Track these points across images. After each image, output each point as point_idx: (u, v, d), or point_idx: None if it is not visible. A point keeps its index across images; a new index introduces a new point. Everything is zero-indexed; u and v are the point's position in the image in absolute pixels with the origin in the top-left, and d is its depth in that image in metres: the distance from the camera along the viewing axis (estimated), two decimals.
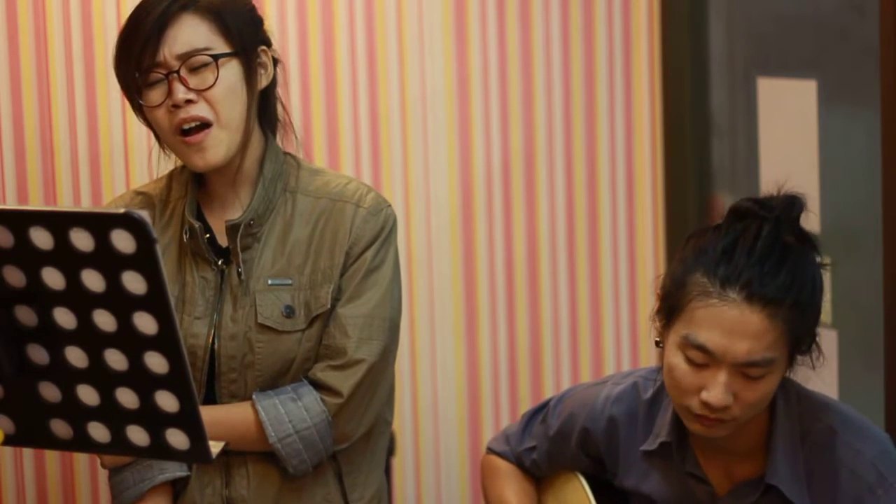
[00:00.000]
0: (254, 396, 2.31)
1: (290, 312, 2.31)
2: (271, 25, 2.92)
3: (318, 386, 2.31)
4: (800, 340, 2.02)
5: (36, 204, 2.74)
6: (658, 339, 2.09)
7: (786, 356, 2.01)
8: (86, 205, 2.80)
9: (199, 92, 2.24)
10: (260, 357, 2.31)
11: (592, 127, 3.24)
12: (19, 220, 1.70)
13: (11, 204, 2.71)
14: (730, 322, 1.95)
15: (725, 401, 1.97)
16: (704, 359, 1.98)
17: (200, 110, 2.25)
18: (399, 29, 3.05)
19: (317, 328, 2.32)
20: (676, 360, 2.01)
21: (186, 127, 2.26)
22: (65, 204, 2.77)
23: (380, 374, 2.34)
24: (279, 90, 2.42)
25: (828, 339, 2.92)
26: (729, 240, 2.00)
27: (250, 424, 2.30)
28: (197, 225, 2.33)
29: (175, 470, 2.34)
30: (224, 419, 2.30)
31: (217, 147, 2.27)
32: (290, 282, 2.32)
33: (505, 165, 3.17)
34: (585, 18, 3.20)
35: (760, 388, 1.99)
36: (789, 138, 3.03)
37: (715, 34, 3.27)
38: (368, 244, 2.34)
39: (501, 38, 3.14)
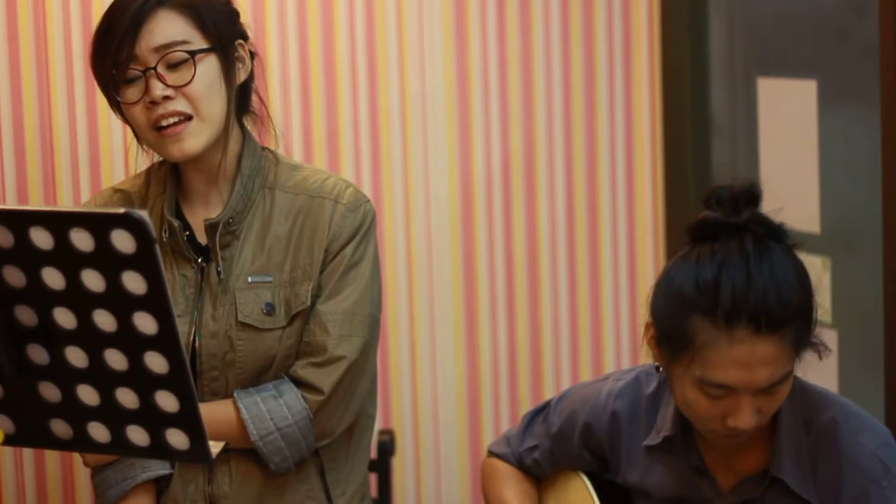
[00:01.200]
0: (235, 394, 2.31)
1: (270, 310, 2.31)
2: (271, 26, 2.93)
3: (299, 383, 2.31)
4: (806, 343, 2.02)
5: (36, 204, 2.74)
6: (658, 364, 2.08)
7: (795, 359, 2.01)
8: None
9: (177, 88, 2.24)
10: (241, 355, 2.31)
11: (592, 127, 3.23)
12: (19, 220, 1.70)
13: (11, 204, 2.71)
14: (744, 358, 1.94)
15: (752, 423, 1.98)
16: (725, 392, 1.97)
17: (179, 105, 2.24)
18: (399, 29, 3.05)
19: (297, 325, 2.32)
20: (694, 395, 2.00)
21: (164, 123, 2.25)
22: (65, 204, 2.77)
23: (360, 370, 2.34)
24: (256, 84, 2.41)
25: (828, 339, 2.92)
26: (716, 271, 1.95)
27: (232, 423, 2.30)
28: (176, 224, 2.33)
29: (157, 468, 2.34)
30: (206, 417, 2.28)
31: (195, 137, 2.26)
32: (270, 279, 2.32)
33: (505, 165, 3.17)
34: (585, 18, 3.20)
35: (780, 396, 2.01)
36: (789, 138, 3.03)
37: (715, 34, 3.27)
38: (347, 240, 2.33)
39: (501, 38, 3.14)
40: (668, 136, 3.29)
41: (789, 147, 3.03)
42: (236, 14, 2.36)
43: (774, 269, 1.96)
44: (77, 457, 2.83)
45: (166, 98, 2.23)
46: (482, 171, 3.15)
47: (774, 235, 2.00)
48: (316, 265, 2.32)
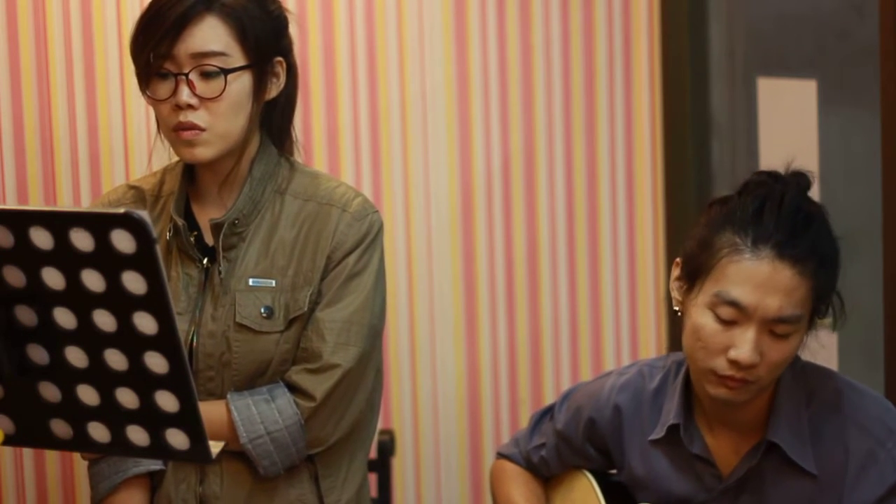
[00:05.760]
0: (228, 396, 2.30)
1: (269, 313, 2.31)
2: None
3: (293, 388, 2.30)
4: (822, 301, 2.07)
5: (36, 204, 2.74)
6: (678, 308, 2.10)
7: (808, 316, 2.05)
8: (86, 204, 2.80)
9: (203, 99, 2.24)
10: (237, 356, 2.31)
11: (592, 127, 3.23)
12: (19, 220, 1.70)
13: (11, 204, 2.71)
14: (762, 277, 1.99)
15: (753, 358, 2.00)
16: (735, 315, 2.01)
17: (198, 118, 2.25)
18: (399, 29, 3.05)
19: (295, 330, 2.31)
20: (705, 319, 2.03)
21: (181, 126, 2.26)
22: (65, 204, 2.77)
23: (356, 380, 2.33)
24: (288, 100, 2.39)
25: (828, 339, 2.92)
26: (757, 203, 2.05)
27: (223, 424, 2.29)
28: (181, 223, 2.33)
29: (149, 463, 2.34)
30: None
31: (206, 147, 2.27)
32: (272, 283, 2.31)
33: (505, 165, 3.17)
34: (585, 18, 3.20)
35: (785, 347, 2.03)
36: (789, 138, 3.03)
37: (715, 34, 3.27)
38: (351, 249, 2.32)
39: (501, 38, 3.14)
40: (668, 137, 3.29)
41: (789, 147, 3.03)
42: (283, 27, 2.36)
43: (812, 222, 2.06)
44: (77, 457, 2.83)
45: (190, 106, 2.24)
46: (482, 170, 3.15)
47: (816, 206, 2.11)
48: (317, 271, 2.32)
